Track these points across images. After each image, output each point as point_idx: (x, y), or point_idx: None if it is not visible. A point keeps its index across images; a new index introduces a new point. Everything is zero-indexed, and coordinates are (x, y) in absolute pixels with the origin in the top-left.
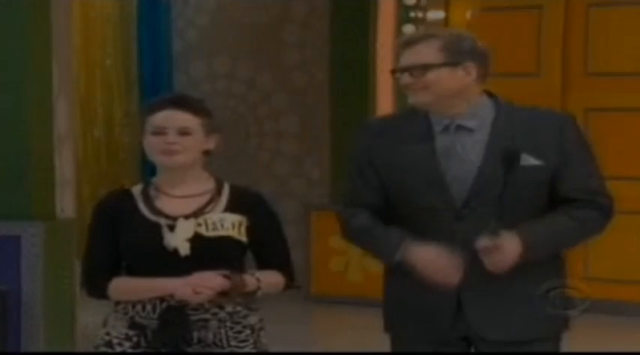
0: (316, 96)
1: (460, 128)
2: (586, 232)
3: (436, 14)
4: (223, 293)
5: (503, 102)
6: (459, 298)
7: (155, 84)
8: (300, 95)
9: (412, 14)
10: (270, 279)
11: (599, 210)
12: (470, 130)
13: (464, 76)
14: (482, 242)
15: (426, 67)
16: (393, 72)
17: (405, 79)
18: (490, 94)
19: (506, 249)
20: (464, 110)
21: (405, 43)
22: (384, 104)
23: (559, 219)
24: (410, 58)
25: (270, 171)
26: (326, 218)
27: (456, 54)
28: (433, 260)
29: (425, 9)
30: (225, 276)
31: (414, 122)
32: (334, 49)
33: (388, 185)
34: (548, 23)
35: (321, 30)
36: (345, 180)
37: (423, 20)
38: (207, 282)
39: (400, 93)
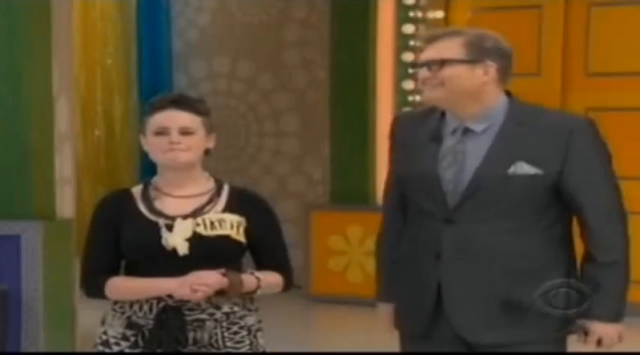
0: (316, 96)
1: (467, 131)
2: (627, 266)
3: (436, 14)
4: (221, 292)
5: (519, 104)
6: (440, 300)
7: (155, 83)
8: (300, 94)
9: (412, 14)
10: (270, 279)
11: (618, 233)
12: (477, 133)
13: (482, 75)
14: (585, 344)
15: (444, 62)
16: (414, 66)
17: (423, 73)
18: (509, 95)
19: (603, 338)
20: (475, 112)
21: (428, 39)
22: (384, 103)
23: (604, 272)
24: (431, 53)
25: (271, 171)
26: (326, 217)
27: (478, 52)
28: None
29: (424, 8)
30: (223, 275)
31: (430, 121)
32: (334, 49)
33: (401, 182)
34: (548, 23)
35: (321, 29)
36: (344, 179)
37: (423, 20)
38: (205, 279)
39: (400, 92)
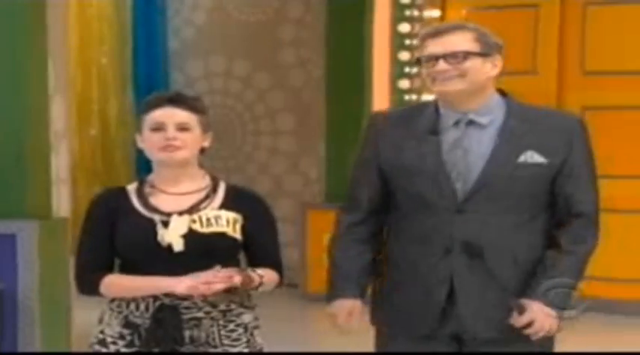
0: (312, 95)
1: (471, 123)
2: (586, 261)
3: (432, 12)
4: (229, 290)
5: (515, 101)
6: (450, 295)
7: (151, 82)
8: (296, 93)
9: (408, 13)
10: (269, 276)
11: (594, 235)
12: (481, 126)
13: (491, 69)
14: (515, 322)
15: (467, 54)
16: (419, 61)
17: (441, 65)
18: (502, 93)
19: (537, 320)
20: (478, 105)
21: (436, 33)
22: (380, 102)
23: (564, 262)
24: (445, 45)
25: (267, 170)
26: (322, 216)
27: (487, 46)
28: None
29: (420, 7)
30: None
31: (423, 116)
32: (330, 48)
33: (392, 178)
34: (544, 21)
35: (317, 29)
36: (340, 178)
37: (419, 19)
38: (219, 277)
39: (396, 91)
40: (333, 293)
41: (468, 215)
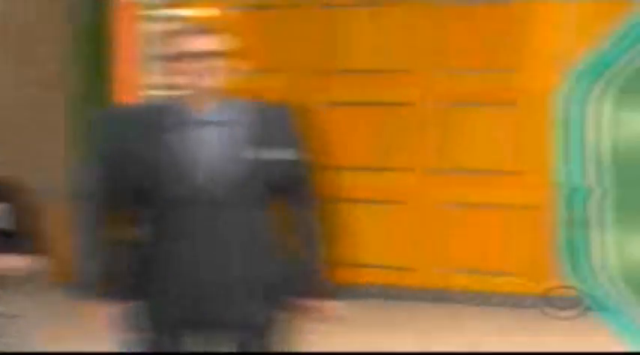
0: (54, 90)
1: (210, 122)
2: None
3: (180, 11)
4: None
5: (246, 99)
6: (199, 283)
7: None
8: (38, 89)
9: (155, 11)
10: (12, 263)
11: (322, 218)
12: (221, 124)
13: (233, 69)
14: (306, 319)
15: (220, 53)
16: (169, 58)
17: (197, 62)
18: (236, 92)
19: (323, 312)
20: (217, 104)
21: (187, 31)
22: (126, 98)
23: (315, 253)
24: (199, 44)
25: (9, 164)
26: (63, 211)
27: (231, 48)
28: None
29: (168, 6)
30: None
31: (163, 113)
32: (73, 44)
33: (137, 176)
34: (285, 21)
35: (60, 25)
36: (81, 173)
37: (166, 17)
38: None
39: (142, 87)
40: (106, 292)
41: (212, 209)
